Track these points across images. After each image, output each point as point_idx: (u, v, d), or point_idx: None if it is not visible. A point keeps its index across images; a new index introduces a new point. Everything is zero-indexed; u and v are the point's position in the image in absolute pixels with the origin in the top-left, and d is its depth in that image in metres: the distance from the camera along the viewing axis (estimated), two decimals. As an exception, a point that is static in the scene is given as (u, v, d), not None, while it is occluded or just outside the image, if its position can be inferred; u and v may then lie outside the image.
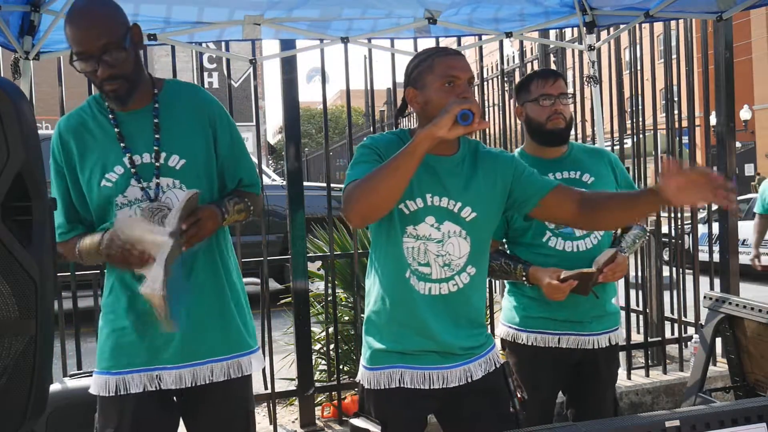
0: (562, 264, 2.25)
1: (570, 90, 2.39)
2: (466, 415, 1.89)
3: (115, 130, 1.85)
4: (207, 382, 1.90)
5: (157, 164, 1.85)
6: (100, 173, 1.84)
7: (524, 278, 2.27)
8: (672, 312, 4.49)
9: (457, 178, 1.83)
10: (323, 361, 4.03)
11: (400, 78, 2.01)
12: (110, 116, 1.87)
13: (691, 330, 4.37)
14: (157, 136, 1.86)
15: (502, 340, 2.51)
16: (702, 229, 6.23)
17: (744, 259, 9.26)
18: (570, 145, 2.44)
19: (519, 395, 2.35)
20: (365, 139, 1.88)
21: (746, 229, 10.10)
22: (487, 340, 1.94)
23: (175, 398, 1.94)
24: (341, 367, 3.73)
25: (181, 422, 2.01)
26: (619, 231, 2.44)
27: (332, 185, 3.77)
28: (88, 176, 1.85)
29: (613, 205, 1.88)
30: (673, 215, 4.45)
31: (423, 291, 1.83)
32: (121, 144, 1.85)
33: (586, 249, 2.32)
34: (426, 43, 3.87)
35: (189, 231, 1.76)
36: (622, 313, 4.27)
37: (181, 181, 1.88)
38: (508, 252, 2.40)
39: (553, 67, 4.89)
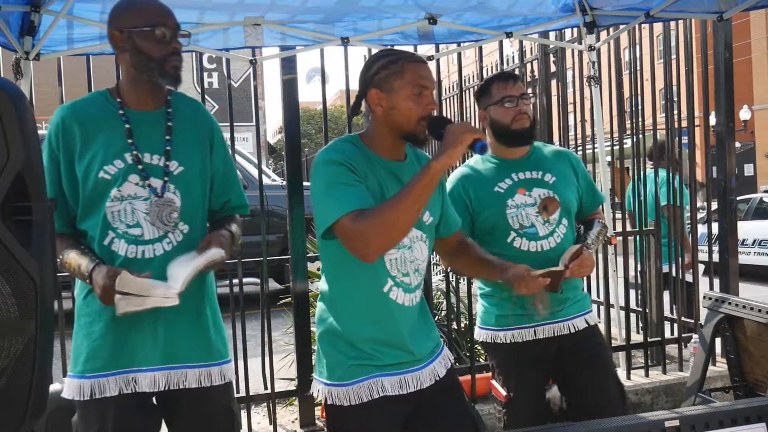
0: (528, 264, 2.24)
1: (529, 91, 2.44)
2: (431, 414, 1.89)
3: (126, 126, 1.89)
4: (180, 387, 1.90)
5: (168, 164, 1.91)
6: (99, 164, 1.85)
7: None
8: (672, 312, 4.50)
9: None
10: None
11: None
12: (120, 112, 1.91)
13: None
14: (168, 137, 1.92)
15: (483, 344, 2.54)
16: (701, 229, 6.24)
17: (743, 259, 9.32)
18: (533, 146, 2.46)
19: (504, 394, 2.37)
20: (328, 151, 1.79)
21: (746, 229, 10.15)
22: (439, 339, 1.98)
23: (155, 400, 1.94)
24: (341, 367, 3.72)
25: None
26: (582, 229, 2.48)
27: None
28: (86, 165, 1.86)
29: (471, 260, 2.13)
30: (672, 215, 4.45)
31: (403, 302, 1.82)
32: (129, 140, 1.88)
33: (549, 248, 2.35)
34: (425, 48, 3.89)
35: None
36: (622, 313, 4.29)
37: (176, 186, 1.91)
38: None
39: (552, 67, 4.90)
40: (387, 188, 1.78)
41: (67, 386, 1.89)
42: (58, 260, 1.85)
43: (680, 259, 4.39)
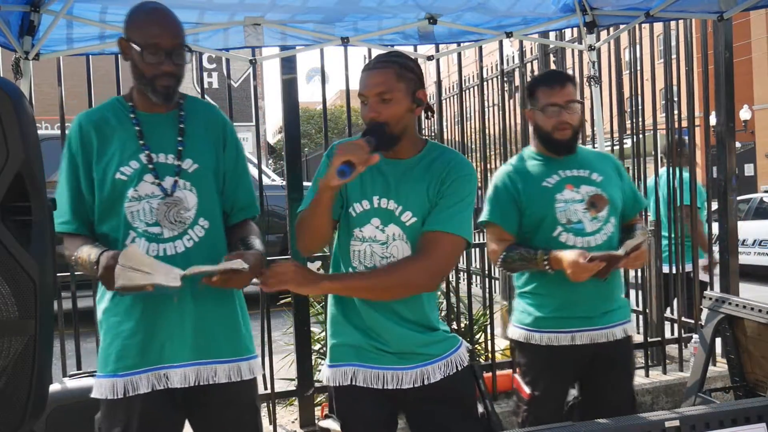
0: None
1: (578, 96, 2.41)
2: (433, 422, 1.88)
3: (137, 128, 1.94)
4: (210, 382, 1.92)
5: (179, 163, 1.94)
6: (115, 166, 1.90)
7: (546, 263, 2.27)
8: (672, 312, 4.50)
9: (404, 182, 1.85)
10: (323, 361, 4.02)
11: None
12: (132, 115, 1.95)
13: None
14: (180, 138, 1.96)
15: (513, 341, 2.52)
16: (702, 229, 6.24)
17: (743, 259, 9.30)
18: (577, 147, 2.45)
19: (528, 393, 2.37)
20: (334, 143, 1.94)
21: (746, 229, 10.15)
22: (449, 342, 1.91)
23: (180, 398, 1.95)
24: (341, 367, 3.71)
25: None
26: (624, 232, 2.47)
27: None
28: (103, 168, 1.91)
29: None
30: (672, 215, 4.45)
31: None
32: (140, 141, 1.93)
33: (597, 245, 2.33)
34: (425, 48, 3.88)
35: (215, 282, 1.80)
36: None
37: (192, 183, 1.95)
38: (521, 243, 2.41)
39: (552, 67, 4.89)
40: (370, 180, 1.83)
41: (97, 386, 1.91)
42: (72, 258, 1.88)
43: (682, 259, 4.38)
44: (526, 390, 2.40)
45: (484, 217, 2.46)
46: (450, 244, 1.80)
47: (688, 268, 4.40)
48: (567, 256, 2.21)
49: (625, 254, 2.22)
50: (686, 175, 4.44)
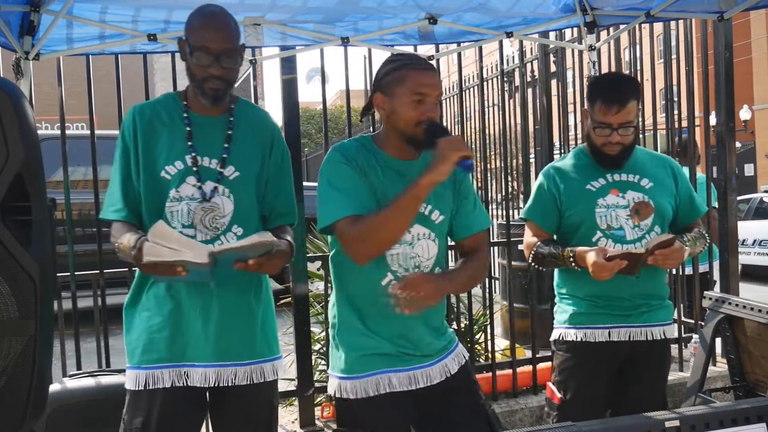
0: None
1: (637, 113, 2.34)
2: (441, 411, 1.91)
3: (187, 129, 1.96)
4: (229, 384, 1.95)
5: (221, 170, 1.96)
6: (161, 164, 1.94)
7: (572, 260, 2.26)
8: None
9: None
10: (323, 361, 4.03)
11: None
12: (185, 115, 1.97)
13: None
14: (226, 145, 1.98)
15: (553, 342, 2.48)
16: (702, 229, 6.22)
17: (743, 259, 9.29)
18: (634, 149, 2.40)
19: (559, 397, 2.35)
20: (332, 150, 1.87)
21: (746, 229, 10.15)
22: (453, 337, 2.01)
23: (201, 396, 1.99)
24: (341, 367, 3.71)
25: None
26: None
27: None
28: (150, 164, 1.94)
29: None
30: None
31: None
32: (188, 143, 1.95)
33: None
34: (425, 48, 3.88)
35: (250, 266, 1.82)
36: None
37: (231, 190, 1.97)
38: (555, 240, 2.40)
39: (552, 67, 4.89)
40: (390, 187, 1.81)
41: (127, 377, 1.96)
42: (116, 244, 1.90)
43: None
44: (557, 394, 2.37)
45: (523, 213, 2.48)
46: (487, 239, 2.06)
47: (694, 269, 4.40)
48: (589, 255, 2.20)
49: (647, 251, 2.17)
50: (700, 175, 4.43)
